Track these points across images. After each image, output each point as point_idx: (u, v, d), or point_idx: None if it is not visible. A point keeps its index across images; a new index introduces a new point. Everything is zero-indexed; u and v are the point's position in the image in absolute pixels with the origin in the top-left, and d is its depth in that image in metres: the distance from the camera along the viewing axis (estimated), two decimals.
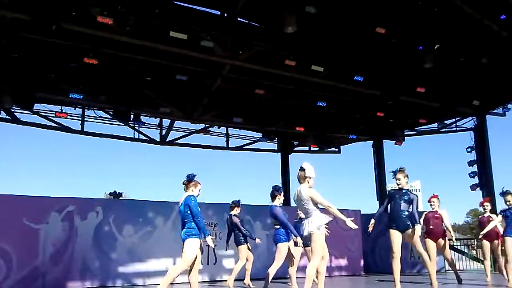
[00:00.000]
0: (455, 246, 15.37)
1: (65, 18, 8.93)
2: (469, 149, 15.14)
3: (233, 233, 8.99)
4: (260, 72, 11.76)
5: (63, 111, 13.31)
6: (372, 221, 7.03)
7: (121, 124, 14.55)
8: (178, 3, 10.25)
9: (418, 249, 6.84)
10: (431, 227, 8.95)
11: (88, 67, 10.83)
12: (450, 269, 9.84)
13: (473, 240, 20.29)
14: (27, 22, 8.82)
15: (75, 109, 13.83)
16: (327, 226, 5.83)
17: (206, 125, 15.90)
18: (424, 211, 9.42)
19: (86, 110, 14.11)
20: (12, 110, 12.84)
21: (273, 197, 7.42)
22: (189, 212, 5.83)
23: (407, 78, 12.69)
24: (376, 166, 17.07)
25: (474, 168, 14.95)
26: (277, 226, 7.55)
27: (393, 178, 7.10)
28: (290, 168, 18.22)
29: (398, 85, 12.93)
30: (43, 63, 11.13)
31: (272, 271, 7.41)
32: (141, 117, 14.13)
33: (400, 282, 6.94)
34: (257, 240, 8.97)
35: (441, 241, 9.02)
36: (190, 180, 6.02)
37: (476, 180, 14.88)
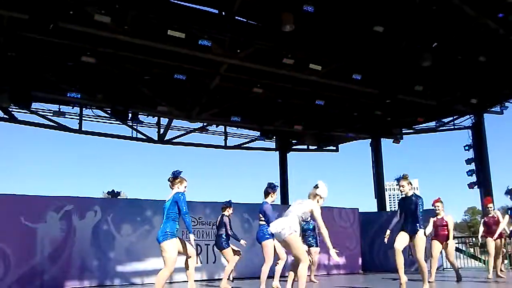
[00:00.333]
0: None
1: (62, 17, 8.90)
2: (467, 147, 15.20)
3: (216, 237, 8.78)
4: (258, 70, 11.76)
5: (61, 110, 13.31)
6: (388, 231, 6.99)
7: (119, 123, 14.52)
8: (176, 1, 10.24)
9: (418, 255, 6.77)
10: (439, 232, 9.13)
11: (85, 66, 10.80)
12: (451, 267, 9.94)
13: (471, 238, 20.35)
14: (24, 21, 8.79)
15: (73, 108, 13.80)
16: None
17: (204, 124, 15.89)
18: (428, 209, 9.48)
19: (84, 109, 14.08)
20: (10, 109, 12.80)
21: (266, 194, 7.36)
22: (176, 209, 5.71)
23: (405, 76, 12.71)
24: (374, 164, 17.09)
25: (472, 166, 15.01)
26: (262, 223, 7.38)
27: (396, 185, 7.06)
28: (288, 167, 18.26)
29: (396, 84, 12.95)
30: (41, 62, 11.10)
31: (264, 270, 7.30)
32: (139, 116, 14.14)
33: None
34: (242, 242, 8.83)
35: (446, 243, 9.21)
36: (175, 177, 5.90)
37: (474, 178, 14.94)
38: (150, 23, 9.68)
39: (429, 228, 8.94)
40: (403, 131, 16.71)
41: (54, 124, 13.76)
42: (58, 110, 13.34)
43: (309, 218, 6.04)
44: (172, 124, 15.52)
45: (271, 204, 7.39)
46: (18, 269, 9.25)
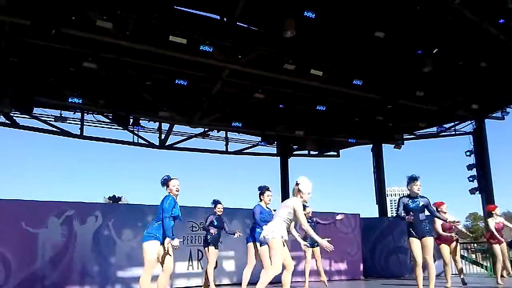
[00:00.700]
0: None
1: (64, 23, 8.94)
2: (468, 153, 15.18)
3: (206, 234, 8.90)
4: (260, 76, 11.78)
5: (63, 115, 13.34)
6: (411, 217, 6.78)
7: (121, 128, 14.54)
8: (178, 7, 10.27)
9: (428, 257, 6.77)
10: (447, 235, 9.11)
11: (87, 72, 10.83)
12: (457, 273, 9.95)
13: (472, 244, 20.30)
14: (26, 26, 8.84)
15: (74, 113, 13.81)
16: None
17: (206, 129, 15.89)
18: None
19: (85, 114, 14.10)
20: (11, 114, 12.83)
21: (259, 197, 7.40)
22: (160, 211, 5.71)
23: (406, 82, 12.71)
24: (375, 170, 17.09)
25: (473, 172, 14.98)
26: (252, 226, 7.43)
27: (408, 185, 6.96)
28: (290, 172, 18.23)
29: (397, 89, 12.96)
30: (43, 68, 11.13)
31: (245, 273, 7.32)
32: (141, 121, 14.15)
33: (402, 285, 6.94)
34: (237, 234, 8.97)
35: (453, 244, 9.28)
36: (163, 184, 5.95)
37: (475, 184, 14.90)
38: (151, 29, 9.71)
39: (438, 228, 9.00)
40: (404, 137, 16.71)
41: (56, 129, 13.78)
42: (59, 115, 13.39)
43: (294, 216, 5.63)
44: (173, 130, 15.54)
45: (267, 207, 7.32)
46: (19, 274, 9.23)
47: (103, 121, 14.41)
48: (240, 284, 8.87)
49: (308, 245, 9.37)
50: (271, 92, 12.88)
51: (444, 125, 15.83)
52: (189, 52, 10.21)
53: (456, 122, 15.84)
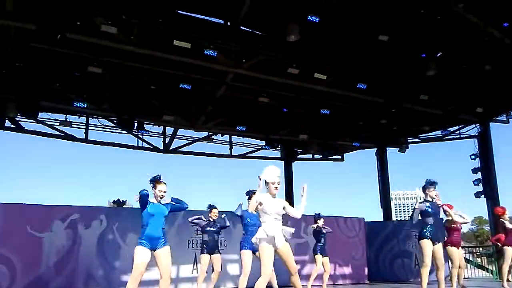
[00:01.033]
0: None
1: (69, 28, 9.01)
2: (473, 157, 15.11)
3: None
4: (264, 80, 11.80)
5: (68, 119, 13.39)
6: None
7: (125, 132, 14.59)
8: (182, 12, 10.32)
9: (439, 262, 6.82)
10: (453, 238, 9.06)
11: (92, 76, 10.89)
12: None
13: (478, 248, 20.19)
14: (32, 31, 8.90)
15: (79, 117, 13.89)
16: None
17: (210, 133, 15.92)
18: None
19: (90, 118, 14.16)
20: (17, 119, 12.91)
21: (248, 202, 7.35)
22: (141, 214, 5.67)
23: (410, 85, 12.69)
24: (379, 173, 17.06)
25: (479, 175, 14.90)
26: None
27: (425, 190, 7.04)
28: (294, 176, 18.21)
29: (401, 93, 12.94)
30: (48, 72, 11.20)
31: (241, 280, 7.00)
32: (145, 125, 14.20)
33: None
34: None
35: (460, 249, 9.22)
36: (151, 181, 5.80)
37: (480, 188, 14.83)
38: (156, 33, 9.76)
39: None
40: (409, 140, 16.66)
41: (61, 134, 13.85)
42: (64, 119, 13.45)
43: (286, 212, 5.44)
44: (177, 133, 15.58)
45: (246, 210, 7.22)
46: (24, 278, 9.26)
47: (108, 125, 14.48)
48: None
49: (318, 252, 9.40)
50: (275, 96, 12.89)
51: (449, 129, 15.80)
52: (193, 56, 10.24)
53: (460, 126, 15.78)
